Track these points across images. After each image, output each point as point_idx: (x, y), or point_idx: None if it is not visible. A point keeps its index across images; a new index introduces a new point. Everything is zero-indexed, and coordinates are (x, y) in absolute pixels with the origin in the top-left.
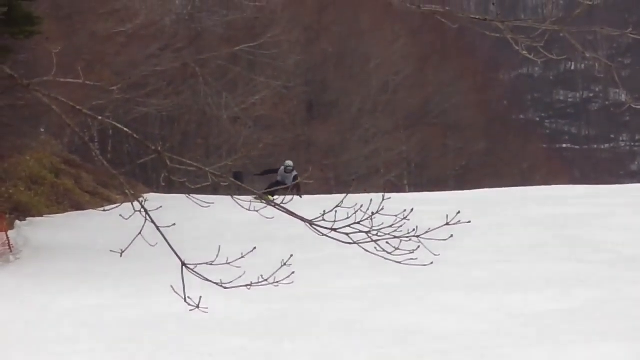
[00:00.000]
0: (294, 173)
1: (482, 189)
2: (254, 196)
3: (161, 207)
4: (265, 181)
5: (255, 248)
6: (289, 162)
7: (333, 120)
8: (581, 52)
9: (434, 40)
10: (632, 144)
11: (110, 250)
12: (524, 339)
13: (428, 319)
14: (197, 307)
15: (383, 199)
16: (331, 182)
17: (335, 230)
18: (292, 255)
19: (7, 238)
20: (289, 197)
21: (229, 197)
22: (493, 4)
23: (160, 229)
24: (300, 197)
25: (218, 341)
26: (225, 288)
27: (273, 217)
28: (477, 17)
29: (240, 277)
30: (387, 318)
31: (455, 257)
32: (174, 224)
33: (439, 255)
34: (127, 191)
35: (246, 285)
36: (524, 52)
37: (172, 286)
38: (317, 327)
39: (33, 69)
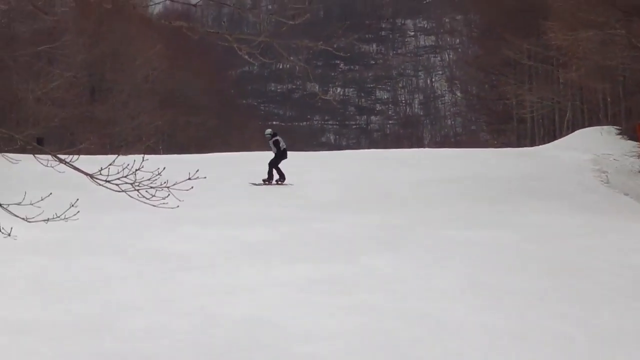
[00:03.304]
0: (273, 138)
1: (216, 153)
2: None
3: None
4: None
5: (51, 193)
6: (268, 130)
7: (109, 102)
8: (286, 57)
9: (182, 45)
10: (322, 122)
11: None
12: (242, 258)
13: (175, 245)
14: (9, 235)
15: (143, 160)
16: (107, 147)
17: (109, 181)
18: (78, 199)
19: None
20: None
21: (32, 155)
22: (223, 22)
23: None
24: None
25: (24, 259)
26: (29, 222)
27: (64, 172)
28: (212, 30)
29: (40, 214)
30: (145, 244)
31: (195, 202)
32: None
33: (183, 200)
34: None
35: (44, 220)
36: (246, 57)
37: None
38: (96, 249)
39: None
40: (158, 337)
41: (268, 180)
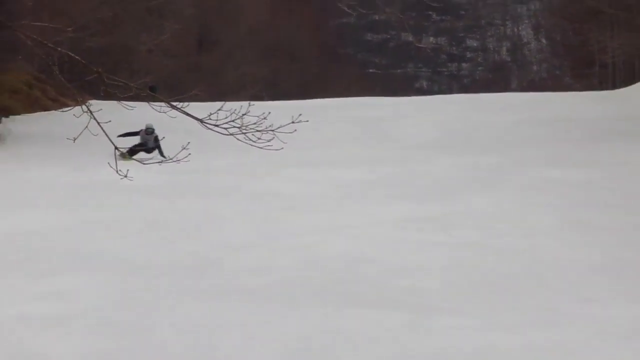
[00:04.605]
0: (155, 134)
1: (318, 99)
2: (119, 154)
3: (101, 109)
4: (128, 142)
5: (164, 137)
6: (150, 124)
7: (215, 53)
8: (382, 8)
9: None
10: (416, 70)
11: (67, 138)
12: (343, 198)
13: (280, 186)
14: (125, 176)
15: (249, 105)
16: (215, 95)
17: (217, 125)
18: (189, 142)
19: None
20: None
21: (146, 103)
22: None
23: (100, 123)
24: (164, 156)
25: (139, 201)
26: (144, 164)
27: (176, 117)
28: None
29: (154, 157)
30: (252, 185)
31: (297, 145)
32: (110, 121)
33: (287, 143)
34: (78, 99)
35: (158, 162)
36: (345, 8)
37: (108, 162)
38: (206, 191)
39: (13, 13)
40: (263, 274)
41: (129, 153)
